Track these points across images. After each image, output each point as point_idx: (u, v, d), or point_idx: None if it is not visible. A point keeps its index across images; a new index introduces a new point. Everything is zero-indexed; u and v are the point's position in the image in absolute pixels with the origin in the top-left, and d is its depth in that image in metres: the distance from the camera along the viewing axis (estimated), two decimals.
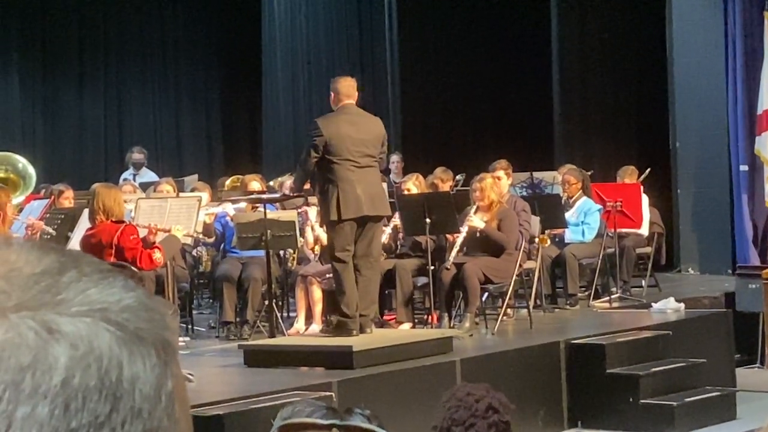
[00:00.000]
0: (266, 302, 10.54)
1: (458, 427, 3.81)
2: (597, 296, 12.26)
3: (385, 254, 11.07)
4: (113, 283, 0.79)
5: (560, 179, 12.85)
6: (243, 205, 11.46)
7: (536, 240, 11.34)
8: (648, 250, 13.04)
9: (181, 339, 10.14)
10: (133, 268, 8.53)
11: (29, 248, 0.80)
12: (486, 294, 10.85)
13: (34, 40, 19.00)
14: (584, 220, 12.30)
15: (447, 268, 10.40)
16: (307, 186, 10.87)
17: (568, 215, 12.18)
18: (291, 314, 11.55)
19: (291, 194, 10.82)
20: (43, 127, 18.90)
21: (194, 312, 12.10)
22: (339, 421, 1.67)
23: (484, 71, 17.84)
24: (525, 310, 10.98)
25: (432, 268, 10.49)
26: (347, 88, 9.28)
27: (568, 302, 12.03)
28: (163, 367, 0.78)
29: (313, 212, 11.49)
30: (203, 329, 11.65)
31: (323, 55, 19.09)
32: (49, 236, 10.05)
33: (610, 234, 12.30)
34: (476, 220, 10.63)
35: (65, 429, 0.73)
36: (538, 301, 11.52)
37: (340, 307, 9.13)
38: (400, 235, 11.15)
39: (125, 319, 0.77)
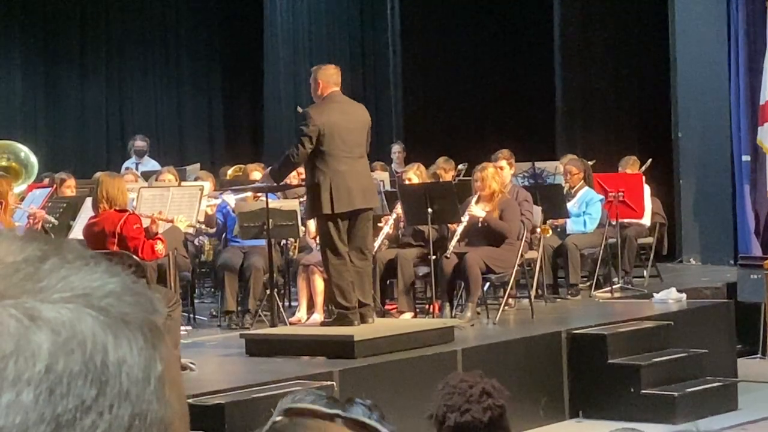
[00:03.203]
0: (268, 291, 10.55)
1: (454, 413, 3.82)
2: (598, 286, 12.25)
3: (387, 243, 11.08)
4: (95, 268, 0.79)
5: (562, 169, 12.85)
6: (245, 194, 11.47)
7: (538, 230, 11.34)
8: (650, 240, 13.04)
9: (182, 328, 10.15)
10: (135, 256, 8.53)
11: (12, 238, 0.80)
12: (488, 284, 10.86)
13: (35, 29, 18.99)
14: (586, 210, 12.30)
15: (447, 257, 10.40)
16: (298, 179, 10.78)
17: (570, 205, 12.18)
18: (293, 303, 11.56)
19: (268, 183, 9.88)
20: (45, 116, 18.91)
21: (196, 301, 12.12)
22: (342, 411, 1.66)
23: (486, 61, 17.83)
24: (526, 300, 10.98)
25: (434, 257, 10.50)
26: (332, 76, 9.10)
27: (569, 292, 12.04)
28: (151, 350, 0.78)
29: None
30: (205, 318, 11.66)
31: (325, 45, 19.07)
32: (51, 225, 10.06)
33: (611, 224, 12.29)
34: (477, 210, 10.63)
35: (51, 414, 0.73)
36: (540, 291, 11.52)
37: (337, 300, 9.11)
38: (402, 224, 11.14)
39: (108, 304, 0.77)
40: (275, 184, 9.77)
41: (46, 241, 0.80)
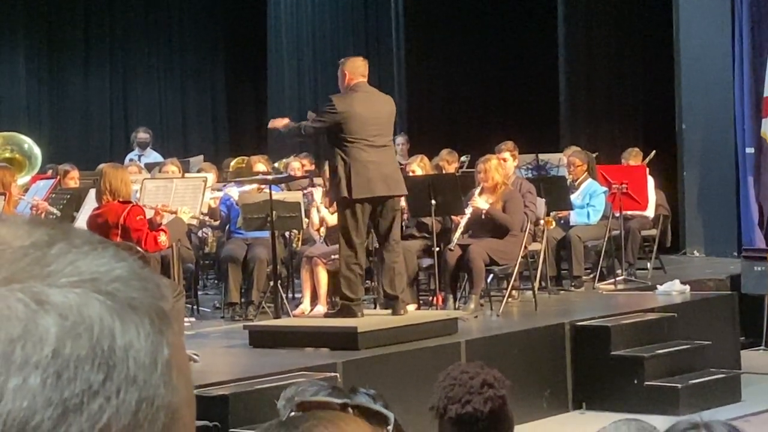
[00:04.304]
0: (271, 283, 10.56)
1: (455, 405, 3.82)
2: (602, 278, 12.26)
3: None
4: (103, 253, 0.79)
5: (566, 161, 12.84)
6: (249, 186, 11.47)
7: (541, 222, 11.34)
8: (653, 232, 13.04)
9: (186, 320, 10.16)
10: (138, 247, 8.53)
11: (19, 223, 0.80)
12: (491, 276, 10.86)
13: (39, 21, 18.99)
14: (589, 202, 12.29)
15: (451, 250, 10.41)
16: (311, 167, 10.79)
17: (574, 197, 12.18)
18: (296, 295, 11.56)
19: (284, 130, 9.85)
20: (48, 108, 18.91)
21: (199, 293, 12.11)
22: (349, 400, 1.68)
23: (490, 53, 17.81)
24: (530, 292, 10.99)
25: (437, 249, 10.49)
26: (359, 67, 9.23)
27: (573, 284, 12.03)
28: (159, 336, 0.78)
29: (318, 193, 11.50)
30: (208, 310, 11.67)
31: (328, 37, 19.07)
32: (54, 216, 10.06)
33: (615, 216, 12.29)
34: (480, 202, 10.63)
35: (58, 398, 0.73)
36: (543, 283, 11.53)
37: (343, 291, 9.12)
38: (405, 216, 11.14)
39: (116, 288, 0.77)
40: (282, 134, 9.97)
41: (54, 226, 0.80)
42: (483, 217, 10.63)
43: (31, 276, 0.76)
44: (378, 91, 9.45)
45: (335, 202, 9.43)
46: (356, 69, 9.21)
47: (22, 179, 11.05)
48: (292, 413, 1.55)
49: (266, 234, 10.61)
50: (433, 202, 10.38)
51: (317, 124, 9.09)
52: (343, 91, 9.18)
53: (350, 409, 1.60)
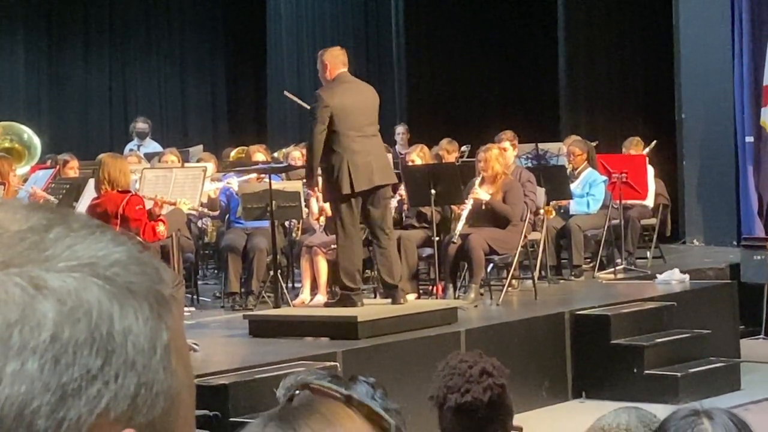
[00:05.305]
0: (271, 273, 10.56)
1: (454, 395, 3.82)
2: (602, 267, 12.26)
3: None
4: (101, 237, 0.79)
5: (565, 150, 12.83)
6: (249, 175, 11.46)
7: (541, 211, 11.34)
8: (653, 221, 13.03)
9: (186, 309, 10.16)
10: (138, 237, 8.53)
11: (17, 207, 0.79)
12: (491, 265, 10.86)
13: (39, 11, 18.96)
14: (589, 191, 12.29)
15: (454, 242, 10.39)
16: (303, 160, 10.68)
17: (574, 186, 12.17)
18: (296, 285, 11.56)
19: (308, 176, 9.67)
20: (48, 97, 18.89)
21: (199, 282, 12.12)
22: (356, 394, 1.66)
23: (490, 42, 17.79)
24: (530, 281, 10.99)
25: (437, 239, 10.49)
26: (338, 56, 9.10)
27: (572, 273, 12.03)
28: (158, 320, 0.78)
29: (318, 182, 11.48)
30: (208, 300, 11.67)
31: (328, 24, 19.04)
32: None
33: (615, 205, 12.29)
34: (481, 193, 10.62)
35: (56, 383, 0.73)
36: (543, 273, 11.53)
37: (342, 281, 9.11)
38: (405, 206, 11.14)
39: (114, 273, 0.77)
40: (311, 173, 9.44)
41: (52, 210, 0.80)
42: (483, 207, 10.62)
43: (28, 260, 0.76)
44: (360, 81, 9.36)
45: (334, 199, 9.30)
46: (336, 58, 9.10)
47: (22, 169, 11.05)
48: (297, 392, 1.53)
49: (266, 224, 10.60)
50: (433, 191, 10.37)
51: (317, 128, 8.91)
52: (326, 83, 9.08)
53: (353, 404, 1.57)
